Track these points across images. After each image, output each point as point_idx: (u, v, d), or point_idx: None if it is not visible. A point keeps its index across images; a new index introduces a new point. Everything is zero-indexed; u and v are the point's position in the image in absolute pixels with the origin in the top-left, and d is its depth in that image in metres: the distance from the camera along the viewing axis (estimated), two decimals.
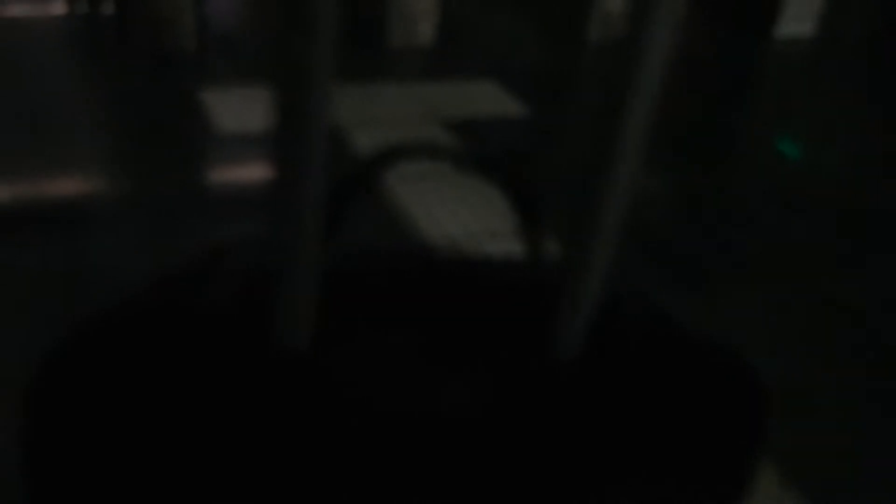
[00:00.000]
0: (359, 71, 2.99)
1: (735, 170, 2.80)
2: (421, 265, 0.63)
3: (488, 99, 2.99)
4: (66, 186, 2.09)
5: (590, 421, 0.60)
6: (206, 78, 2.80)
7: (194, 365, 0.54)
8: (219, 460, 0.52)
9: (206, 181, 2.31)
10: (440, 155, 0.68)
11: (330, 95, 0.46)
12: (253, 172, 2.38)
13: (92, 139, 2.33)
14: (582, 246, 0.57)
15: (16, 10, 3.20)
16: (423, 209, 2.19)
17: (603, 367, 0.61)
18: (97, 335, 0.55)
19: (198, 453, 0.52)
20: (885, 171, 2.88)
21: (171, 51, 2.89)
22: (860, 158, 2.98)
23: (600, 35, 3.61)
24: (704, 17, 3.98)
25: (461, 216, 2.19)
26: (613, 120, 0.52)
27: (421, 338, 0.59)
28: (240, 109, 2.61)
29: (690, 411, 0.61)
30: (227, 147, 2.41)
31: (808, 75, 3.75)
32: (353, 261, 0.61)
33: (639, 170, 0.53)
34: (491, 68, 3.21)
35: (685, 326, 0.63)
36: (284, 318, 0.53)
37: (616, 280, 0.59)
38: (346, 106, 2.67)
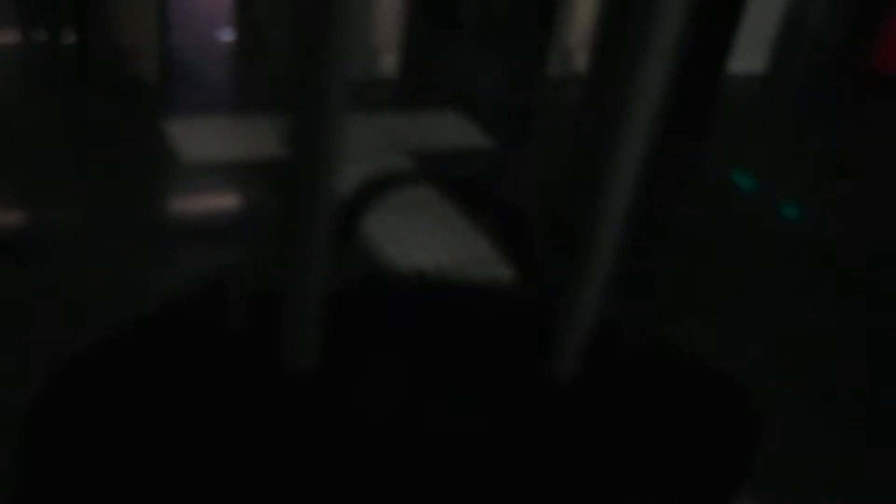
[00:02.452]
0: None
1: (691, 200, 2.87)
2: (420, 290, 0.64)
3: (452, 130, 3.02)
4: (28, 215, 2.06)
5: (584, 444, 0.61)
6: (169, 108, 2.79)
7: (201, 387, 0.54)
8: (224, 481, 0.52)
9: (169, 209, 2.30)
10: (431, 183, 0.70)
11: (344, 125, 0.47)
12: (217, 201, 2.37)
13: (52, 168, 2.30)
14: (576, 273, 0.58)
15: None
16: (410, 236, 2.20)
17: (598, 391, 0.62)
18: (101, 360, 0.55)
19: (203, 475, 0.52)
20: (833, 202, 2.97)
21: (134, 81, 2.87)
22: (812, 190, 3.07)
23: (560, 69, 3.68)
24: None
25: (448, 243, 2.21)
26: (606, 152, 0.54)
27: (421, 362, 0.60)
28: (204, 139, 2.60)
29: (682, 435, 0.62)
30: (192, 176, 2.40)
31: (760, 110, 3.86)
32: (354, 286, 0.62)
33: (632, 198, 0.55)
34: (453, 99, 3.25)
35: (679, 351, 0.65)
36: (290, 341, 0.54)
37: (610, 306, 0.61)
38: None
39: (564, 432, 0.61)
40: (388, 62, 3.34)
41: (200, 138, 2.61)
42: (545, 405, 0.62)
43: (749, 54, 4.04)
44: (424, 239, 2.22)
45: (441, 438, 0.59)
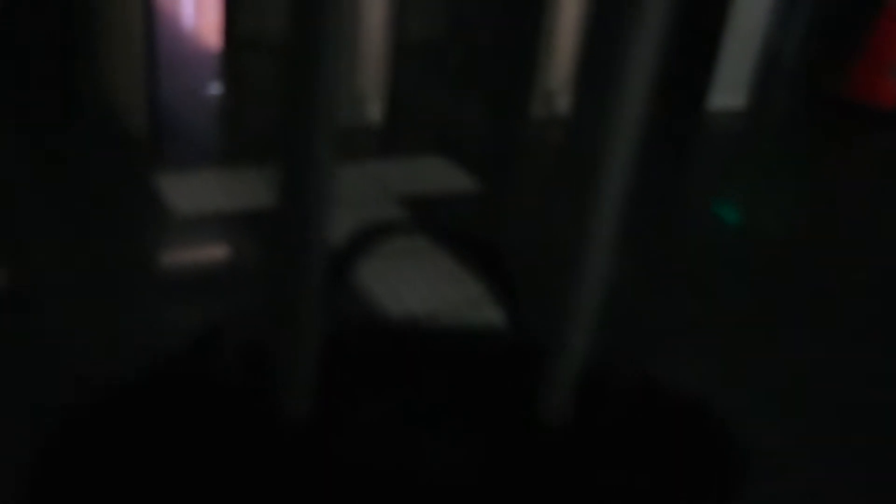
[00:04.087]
0: None
1: (676, 235, 2.90)
2: (411, 335, 0.66)
3: (438, 175, 3.06)
4: (20, 270, 2.07)
5: (576, 485, 0.63)
6: (159, 161, 2.82)
7: (196, 439, 0.56)
8: None
9: (162, 262, 2.31)
10: (418, 231, 0.72)
11: (332, 176, 0.49)
12: (209, 253, 2.39)
13: (44, 223, 2.32)
14: (565, 314, 0.60)
15: None
16: (401, 280, 2.22)
17: (588, 431, 0.64)
18: (96, 416, 0.56)
19: None
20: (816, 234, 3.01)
21: (124, 135, 2.90)
22: (793, 222, 3.11)
23: (542, 111, 3.73)
24: None
25: (440, 285, 2.23)
26: (588, 190, 0.56)
27: (414, 406, 0.62)
28: (194, 192, 2.63)
29: (671, 472, 0.64)
30: (183, 229, 2.42)
31: (742, 144, 3.92)
32: (346, 332, 0.64)
33: (618, 236, 0.57)
34: (438, 145, 3.29)
35: (669, 388, 0.67)
36: (284, 390, 0.56)
37: (599, 345, 0.62)
38: None
39: (556, 473, 0.62)
40: (374, 109, 3.39)
41: (191, 191, 2.63)
42: (537, 447, 0.64)
43: (729, 90, 4.12)
44: (415, 282, 2.24)
45: (434, 482, 0.60)
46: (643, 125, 0.54)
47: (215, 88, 3.78)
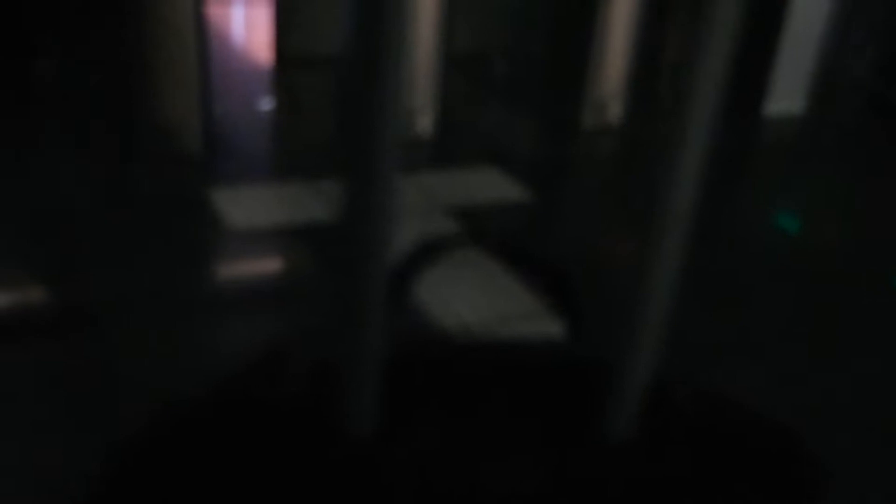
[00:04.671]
0: None
1: (735, 245, 2.84)
2: (475, 351, 0.65)
3: (489, 185, 3.05)
4: (78, 288, 2.11)
5: (642, 500, 0.61)
6: (214, 179, 2.86)
7: (262, 456, 0.55)
8: None
9: (220, 276, 2.34)
10: (478, 246, 0.71)
11: (395, 190, 0.49)
12: (264, 267, 2.41)
13: (104, 240, 2.36)
14: (633, 330, 0.58)
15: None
16: (454, 291, 2.21)
17: (654, 448, 0.62)
18: (170, 430, 0.56)
19: None
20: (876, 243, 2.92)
21: (179, 153, 2.95)
22: (854, 232, 3.03)
23: (594, 121, 3.70)
24: None
25: (492, 298, 2.21)
26: (658, 204, 0.54)
27: (477, 422, 0.61)
28: (248, 207, 2.66)
29: (742, 491, 0.62)
30: (238, 243, 2.45)
31: (802, 151, 3.84)
32: (407, 349, 0.63)
33: (686, 247, 0.55)
34: (489, 156, 3.28)
35: (739, 406, 0.65)
36: (349, 407, 0.55)
37: (665, 362, 0.61)
38: None
39: (619, 491, 0.60)
40: (424, 122, 3.39)
41: (246, 206, 2.66)
42: (600, 463, 0.62)
43: (787, 96, 4.03)
44: (468, 294, 2.22)
45: (496, 499, 0.59)
46: (712, 141, 0.53)
47: (267, 104, 3.83)
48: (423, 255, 0.66)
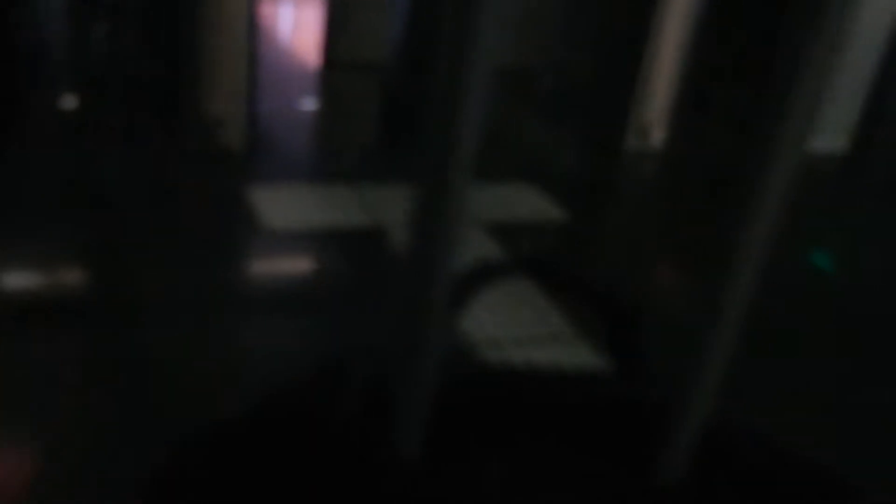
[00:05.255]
0: (400, 173, 3.06)
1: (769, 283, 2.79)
2: (519, 382, 0.63)
3: (526, 202, 3.03)
4: (118, 280, 2.12)
5: None
6: (254, 177, 2.87)
7: (310, 474, 0.54)
8: None
9: (254, 274, 2.34)
10: (530, 275, 0.69)
11: (467, 202, 0.47)
12: (298, 267, 2.41)
13: (143, 234, 2.38)
14: (691, 370, 0.57)
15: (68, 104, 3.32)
16: (484, 309, 2.19)
17: (705, 491, 0.60)
18: (217, 443, 0.55)
19: None
20: None
21: (222, 149, 2.97)
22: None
23: (637, 143, 3.68)
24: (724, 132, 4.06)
25: (521, 317, 2.19)
26: (736, 237, 0.52)
27: (525, 455, 0.59)
28: (287, 207, 2.66)
29: None
30: (275, 242, 2.45)
31: (840, 189, 3.78)
32: (454, 377, 0.61)
33: (755, 285, 0.54)
34: (529, 174, 3.27)
35: (791, 451, 0.63)
36: (400, 426, 0.54)
37: (720, 402, 0.59)
38: (387, 207, 2.72)
39: None
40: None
41: (284, 206, 2.67)
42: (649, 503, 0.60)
43: (831, 132, 3.99)
44: (496, 308, 2.21)
45: None
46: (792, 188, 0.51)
47: (310, 105, 3.85)
48: (482, 276, 0.64)
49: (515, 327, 2.15)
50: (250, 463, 0.56)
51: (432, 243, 0.48)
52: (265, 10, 4.69)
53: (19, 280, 2.05)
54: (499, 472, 0.59)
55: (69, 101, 3.31)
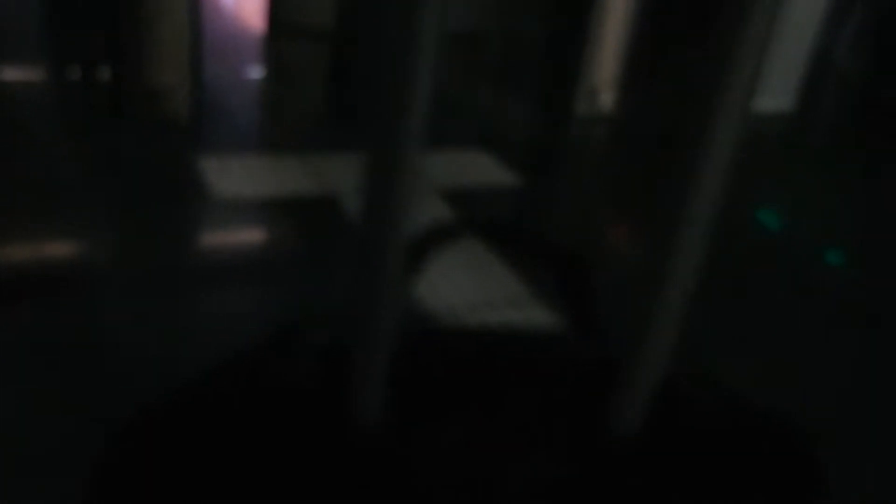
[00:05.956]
0: (352, 141, 3.03)
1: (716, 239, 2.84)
2: (478, 342, 0.63)
3: (478, 168, 3.03)
4: (65, 254, 2.07)
5: (649, 499, 0.60)
6: (201, 146, 2.82)
7: (265, 443, 0.54)
8: None
9: (203, 245, 2.31)
10: (489, 234, 0.69)
11: (419, 166, 0.47)
12: (250, 237, 2.38)
13: (88, 207, 2.32)
14: (644, 323, 0.57)
15: (7, 76, 3.22)
16: (440, 274, 2.19)
17: (661, 443, 0.61)
18: (167, 413, 0.54)
19: None
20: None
21: (167, 119, 2.90)
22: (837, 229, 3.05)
23: (587, 108, 3.69)
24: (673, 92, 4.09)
25: (479, 282, 2.20)
26: (685, 198, 0.53)
27: (482, 415, 0.59)
28: (236, 176, 2.62)
29: (746, 489, 0.61)
30: (225, 212, 2.42)
31: (786, 149, 3.85)
32: (411, 337, 0.61)
33: (707, 245, 0.54)
34: (480, 139, 3.26)
35: (750, 401, 0.64)
36: (359, 394, 0.53)
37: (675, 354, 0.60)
38: (340, 175, 2.69)
39: (625, 489, 0.60)
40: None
41: (233, 175, 2.63)
42: (606, 461, 0.61)
43: (776, 92, 4.04)
44: (452, 275, 2.21)
45: (498, 493, 0.58)
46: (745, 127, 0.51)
47: (256, 72, 3.78)
48: (435, 238, 0.64)
49: (470, 293, 2.16)
50: (204, 431, 0.56)
51: (386, 210, 0.48)
52: None
53: None
54: (456, 433, 0.60)
55: (6, 73, 3.21)
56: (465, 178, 2.93)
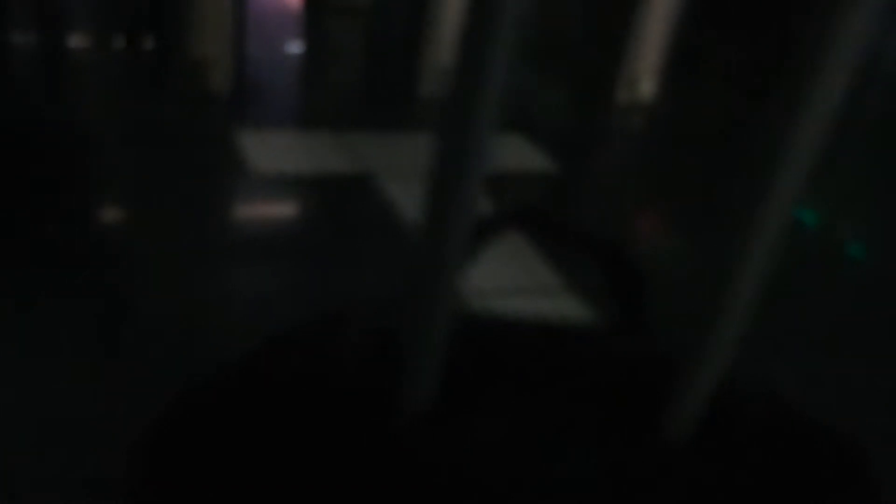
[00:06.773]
0: (389, 121, 3.02)
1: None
2: (536, 335, 0.62)
3: (515, 153, 3.01)
4: (99, 225, 2.09)
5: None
6: (242, 120, 2.82)
7: (312, 430, 0.53)
8: None
9: (239, 219, 2.32)
10: (536, 227, 0.68)
11: (489, 152, 0.46)
12: (286, 212, 2.38)
13: (126, 177, 2.34)
14: (705, 327, 0.56)
15: (54, 42, 3.24)
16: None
17: (715, 451, 0.60)
18: (210, 399, 0.54)
19: None
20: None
21: (209, 92, 2.91)
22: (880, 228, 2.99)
23: (627, 97, 3.65)
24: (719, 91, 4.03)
25: (508, 268, 2.19)
26: (756, 196, 0.51)
27: (535, 410, 0.59)
28: (275, 152, 2.62)
29: (801, 499, 0.60)
30: (263, 188, 2.42)
31: (829, 147, 3.78)
32: (465, 328, 0.60)
33: (779, 248, 0.53)
34: (518, 123, 3.24)
35: (804, 413, 0.62)
36: (411, 381, 0.53)
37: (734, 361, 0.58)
38: (376, 155, 2.69)
39: (681, 491, 0.58)
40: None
41: (271, 150, 2.63)
42: (657, 465, 0.60)
43: None
44: (485, 262, 2.20)
45: (546, 489, 0.57)
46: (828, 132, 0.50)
47: (298, 47, 3.78)
48: (487, 230, 0.63)
49: (503, 278, 2.15)
50: (249, 411, 0.55)
51: (452, 196, 0.47)
52: None
53: None
54: (501, 426, 0.59)
55: (48, 42, 3.23)
56: (504, 163, 2.91)
